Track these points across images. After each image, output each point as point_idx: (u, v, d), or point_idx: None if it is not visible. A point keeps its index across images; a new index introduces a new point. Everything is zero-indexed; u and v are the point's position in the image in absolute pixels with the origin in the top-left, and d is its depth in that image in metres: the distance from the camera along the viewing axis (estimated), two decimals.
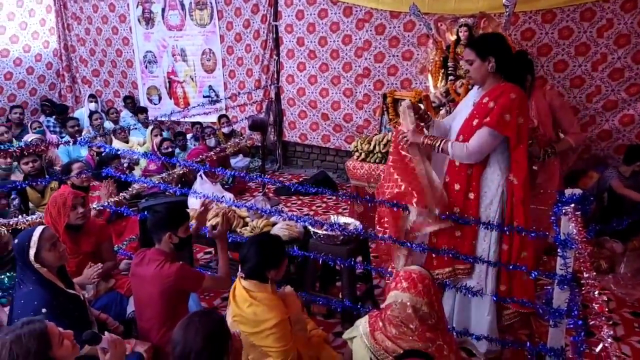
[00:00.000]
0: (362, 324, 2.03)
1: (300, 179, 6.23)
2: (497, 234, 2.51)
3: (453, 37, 4.70)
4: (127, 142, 6.29)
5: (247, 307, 2.17)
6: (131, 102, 7.64)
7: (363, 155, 4.59)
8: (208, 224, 3.10)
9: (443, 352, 1.86)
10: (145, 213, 3.17)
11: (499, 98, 2.42)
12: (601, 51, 4.73)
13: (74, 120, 6.40)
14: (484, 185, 2.53)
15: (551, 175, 3.13)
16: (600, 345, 1.42)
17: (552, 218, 2.32)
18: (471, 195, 2.54)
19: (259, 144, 5.65)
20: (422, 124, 2.74)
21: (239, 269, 2.29)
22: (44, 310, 2.10)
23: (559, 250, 2.29)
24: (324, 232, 3.01)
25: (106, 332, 1.76)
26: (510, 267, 2.45)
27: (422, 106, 2.82)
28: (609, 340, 1.41)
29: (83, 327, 2.21)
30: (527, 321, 2.83)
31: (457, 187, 2.57)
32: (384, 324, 1.93)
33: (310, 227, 3.10)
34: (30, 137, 5.38)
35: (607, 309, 1.56)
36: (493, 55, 2.43)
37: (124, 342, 1.76)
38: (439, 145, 2.53)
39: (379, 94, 5.75)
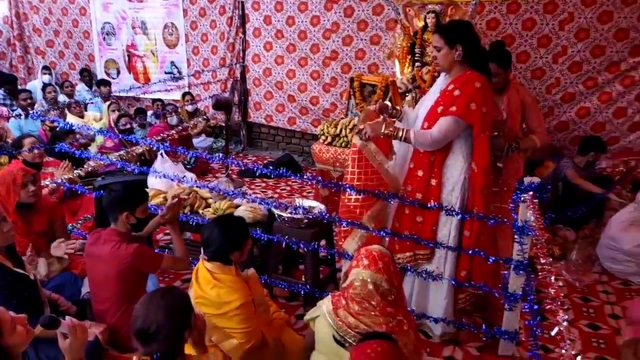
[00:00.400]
0: (325, 304, 2.07)
1: (265, 161, 6.16)
2: (457, 220, 2.56)
3: (421, 24, 4.71)
4: (82, 117, 6.02)
5: (210, 288, 2.13)
6: (88, 76, 7.30)
7: (329, 139, 4.57)
8: (154, 201, 3.02)
9: (403, 326, 1.92)
10: (102, 192, 3.05)
11: (464, 86, 2.44)
12: (562, 44, 4.87)
13: (26, 93, 6.03)
14: (447, 172, 2.56)
15: (515, 172, 3.14)
16: (556, 329, 1.47)
17: (511, 205, 2.38)
18: (433, 182, 2.56)
19: (223, 124, 5.53)
20: (393, 119, 2.76)
21: (202, 251, 2.24)
22: None
23: (515, 236, 2.35)
24: (288, 215, 2.99)
25: (66, 317, 1.66)
26: (470, 252, 2.51)
27: (389, 104, 2.83)
28: (564, 324, 1.46)
29: (34, 308, 2.13)
30: (482, 304, 2.92)
31: (420, 173, 2.60)
32: (346, 302, 1.97)
33: (274, 210, 3.07)
34: None
35: (562, 294, 1.61)
36: (461, 43, 2.44)
37: (85, 327, 1.64)
38: (401, 136, 2.53)
39: (346, 77, 5.73)
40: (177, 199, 2.55)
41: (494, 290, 2.58)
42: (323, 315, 2.02)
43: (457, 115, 2.42)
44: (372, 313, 1.91)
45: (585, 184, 3.98)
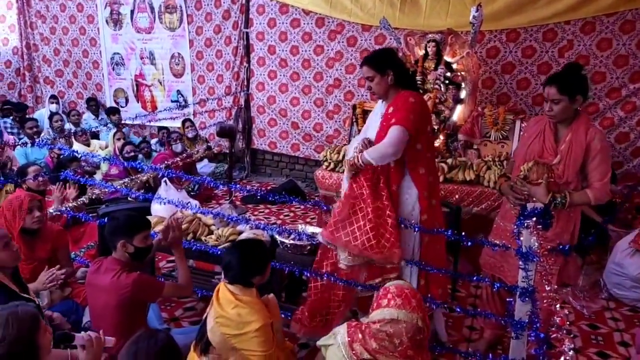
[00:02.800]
0: (340, 333, 2.00)
1: (269, 187, 6.18)
2: (419, 238, 2.61)
3: (421, 52, 4.78)
4: (88, 145, 6.10)
5: (231, 308, 2.11)
6: (94, 105, 7.41)
7: (332, 165, 4.59)
8: (156, 229, 3.00)
9: None
10: (105, 219, 3.06)
11: (399, 103, 2.50)
12: None
13: (32, 121, 6.15)
14: (403, 198, 2.58)
15: (564, 228, 2.55)
16: (562, 358, 1.44)
17: (514, 231, 2.36)
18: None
19: (227, 151, 5.58)
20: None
21: (222, 276, 2.23)
22: None
23: (520, 262, 2.33)
24: (291, 242, 2.98)
25: (82, 332, 1.75)
26: (457, 273, 2.49)
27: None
28: (570, 353, 1.44)
29: None
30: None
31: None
32: (363, 336, 1.91)
33: (277, 236, 3.06)
34: None
35: (567, 322, 1.58)
36: (391, 69, 2.52)
37: (100, 339, 1.75)
38: (360, 163, 2.50)
39: (349, 104, 5.78)
40: (174, 221, 2.54)
41: (501, 318, 2.55)
42: (337, 346, 1.97)
43: (397, 123, 2.43)
44: (391, 353, 1.84)
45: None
